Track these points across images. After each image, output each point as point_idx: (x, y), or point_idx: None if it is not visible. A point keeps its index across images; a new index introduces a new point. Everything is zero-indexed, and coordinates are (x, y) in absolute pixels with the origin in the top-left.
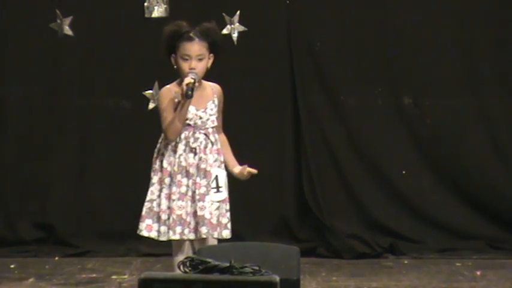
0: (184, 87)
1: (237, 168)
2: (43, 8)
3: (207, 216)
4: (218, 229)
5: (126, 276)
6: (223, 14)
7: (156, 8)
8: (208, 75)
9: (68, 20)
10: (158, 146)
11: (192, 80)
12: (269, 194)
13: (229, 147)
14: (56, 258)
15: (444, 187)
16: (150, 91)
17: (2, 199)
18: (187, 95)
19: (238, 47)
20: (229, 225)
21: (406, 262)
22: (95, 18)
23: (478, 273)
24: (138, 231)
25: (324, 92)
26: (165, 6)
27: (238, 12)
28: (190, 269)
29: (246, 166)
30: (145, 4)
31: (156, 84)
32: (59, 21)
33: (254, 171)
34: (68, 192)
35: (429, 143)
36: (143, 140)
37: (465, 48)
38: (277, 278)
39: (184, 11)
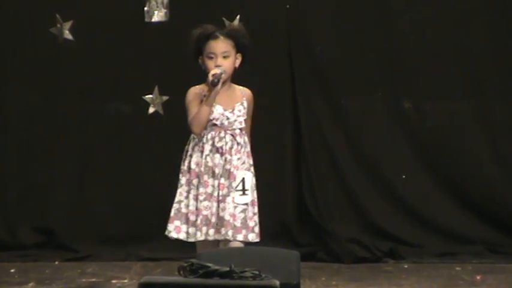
0: (211, 77)
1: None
2: (43, 13)
3: (227, 217)
4: (244, 232)
5: (126, 281)
6: (223, 19)
7: (156, 12)
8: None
9: (68, 25)
10: (186, 147)
11: (219, 71)
12: (269, 198)
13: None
14: (56, 262)
15: (444, 191)
16: (150, 95)
17: (2, 203)
18: (213, 83)
19: None
20: (256, 229)
21: (406, 266)
22: (95, 23)
23: (478, 277)
24: (166, 233)
25: (324, 96)
26: (165, 10)
27: (238, 16)
28: (190, 273)
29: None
30: (146, 8)
31: (156, 88)
32: (59, 25)
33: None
34: (68, 197)
35: (429, 147)
36: (143, 144)
37: (465, 52)
38: (277, 283)
39: (184, 15)
